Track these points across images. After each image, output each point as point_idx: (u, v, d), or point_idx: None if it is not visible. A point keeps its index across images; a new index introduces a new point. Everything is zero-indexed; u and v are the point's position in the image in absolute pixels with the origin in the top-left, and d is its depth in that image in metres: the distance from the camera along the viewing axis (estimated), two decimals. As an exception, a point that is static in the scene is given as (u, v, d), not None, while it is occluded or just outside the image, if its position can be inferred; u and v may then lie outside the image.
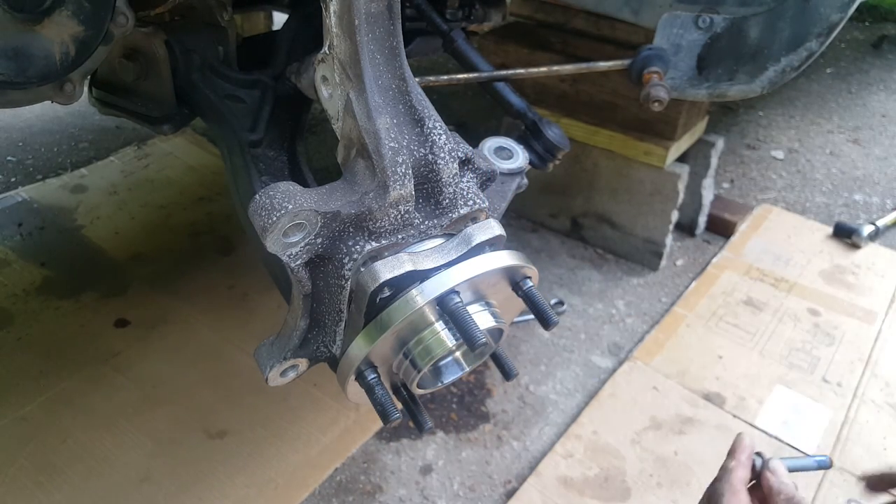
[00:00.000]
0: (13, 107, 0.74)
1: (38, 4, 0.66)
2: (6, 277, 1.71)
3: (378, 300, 0.64)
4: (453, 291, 0.64)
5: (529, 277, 0.70)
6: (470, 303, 0.67)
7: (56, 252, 1.81)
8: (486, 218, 0.70)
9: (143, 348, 1.55)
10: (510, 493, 1.33)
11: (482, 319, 0.68)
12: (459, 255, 0.67)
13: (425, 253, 0.66)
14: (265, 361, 0.72)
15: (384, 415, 0.64)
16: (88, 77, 0.84)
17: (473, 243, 0.67)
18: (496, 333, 0.71)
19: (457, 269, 0.65)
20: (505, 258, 0.67)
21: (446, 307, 0.63)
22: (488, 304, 0.71)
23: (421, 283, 0.64)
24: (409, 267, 0.64)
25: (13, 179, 2.16)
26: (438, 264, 0.66)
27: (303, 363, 0.73)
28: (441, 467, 1.39)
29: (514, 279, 0.70)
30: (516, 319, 0.75)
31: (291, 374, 0.74)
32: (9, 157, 2.27)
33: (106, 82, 1.04)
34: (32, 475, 1.26)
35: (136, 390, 1.45)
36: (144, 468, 1.30)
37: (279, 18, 1.64)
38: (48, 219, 1.93)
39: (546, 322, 0.69)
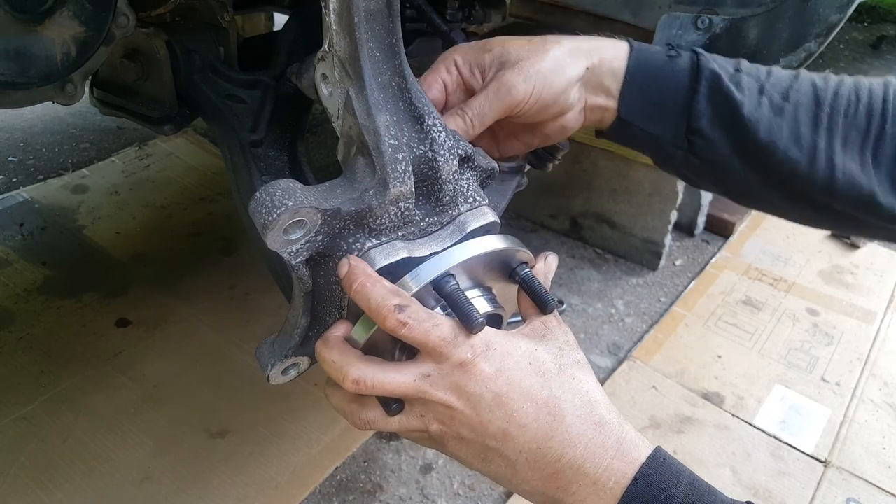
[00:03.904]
0: (14, 107, 0.74)
1: (39, 5, 0.66)
2: (7, 277, 1.71)
3: None
4: (448, 274, 0.64)
5: (526, 263, 0.70)
6: (467, 288, 0.67)
7: (57, 252, 1.82)
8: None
9: (144, 348, 1.55)
10: (510, 493, 1.33)
11: (479, 304, 0.68)
12: (454, 241, 0.67)
13: (420, 241, 0.66)
14: (266, 360, 0.72)
15: (385, 404, 0.65)
16: (90, 77, 0.85)
17: (468, 230, 0.67)
18: (495, 320, 0.71)
19: (451, 252, 0.65)
20: (500, 241, 0.67)
21: (442, 291, 0.63)
22: (486, 290, 0.71)
23: (415, 268, 0.64)
24: (404, 254, 0.64)
25: (14, 179, 2.16)
26: (433, 251, 0.66)
27: (304, 361, 0.74)
28: (441, 466, 1.39)
29: (510, 265, 0.70)
30: (510, 320, 0.75)
31: (293, 373, 0.74)
32: (10, 158, 2.28)
33: (107, 83, 1.05)
34: (34, 474, 1.27)
35: (138, 390, 1.45)
36: (145, 467, 1.30)
37: (280, 19, 1.65)
38: (49, 219, 1.94)
39: (544, 306, 0.68)
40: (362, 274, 0.62)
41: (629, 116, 0.83)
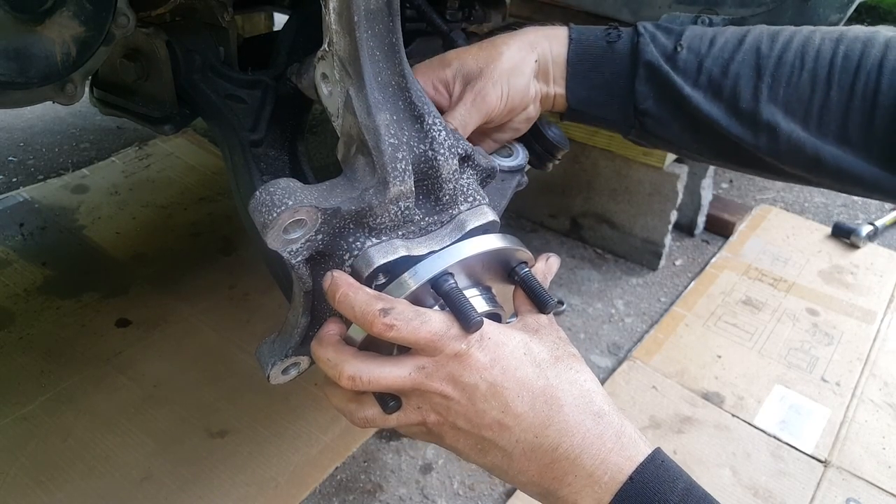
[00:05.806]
0: (14, 107, 0.74)
1: (39, 5, 0.66)
2: (7, 277, 1.71)
3: (374, 287, 0.64)
4: (447, 273, 0.64)
5: (525, 262, 0.70)
6: (466, 287, 0.67)
7: (57, 252, 1.82)
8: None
9: (144, 348, 1.55)
10: (510, 493, 1.33)
11: (477, 304, 0.68)
12: (453, 240, 0.67)
13: (420, 240, 0.66)
14: (266, 359, 0.72)
15: (383, 402, 0.65)
16: (90, 77, 0.85)
17: (467, 229, 0.67)
18: (493, 319, 0.71)
19: (449, 250, 0.65)
20: (498, 240, 0.67)
21: (440, 289, 0.63)
22: (485, 290, 0.71)
23: (413, 266, 0.64)
24: (402, 252, 0.64)
25: (14, 179, 2.17)
26: (432, 249, 0.66)
27: (304, 361, 0.74)
28: (441, 466, 1.39)
29: (509, 264, 0.70)
30: (509, 320, 0.75)
31: (293, 373, 0.74)
32: (10, 158, 2.28)
33: (107, 83, 1.05)
34: (34, 474, 1.27)
35: (138, 390, 1.45)
36: (145, 467, 1.30)
37: (280, 19, 1.65)
38: (49, 219, 1.94)
39: (542, 306, 0.68)
40: (344, 284, 0.62)
41: (578, 105, 0.85)
